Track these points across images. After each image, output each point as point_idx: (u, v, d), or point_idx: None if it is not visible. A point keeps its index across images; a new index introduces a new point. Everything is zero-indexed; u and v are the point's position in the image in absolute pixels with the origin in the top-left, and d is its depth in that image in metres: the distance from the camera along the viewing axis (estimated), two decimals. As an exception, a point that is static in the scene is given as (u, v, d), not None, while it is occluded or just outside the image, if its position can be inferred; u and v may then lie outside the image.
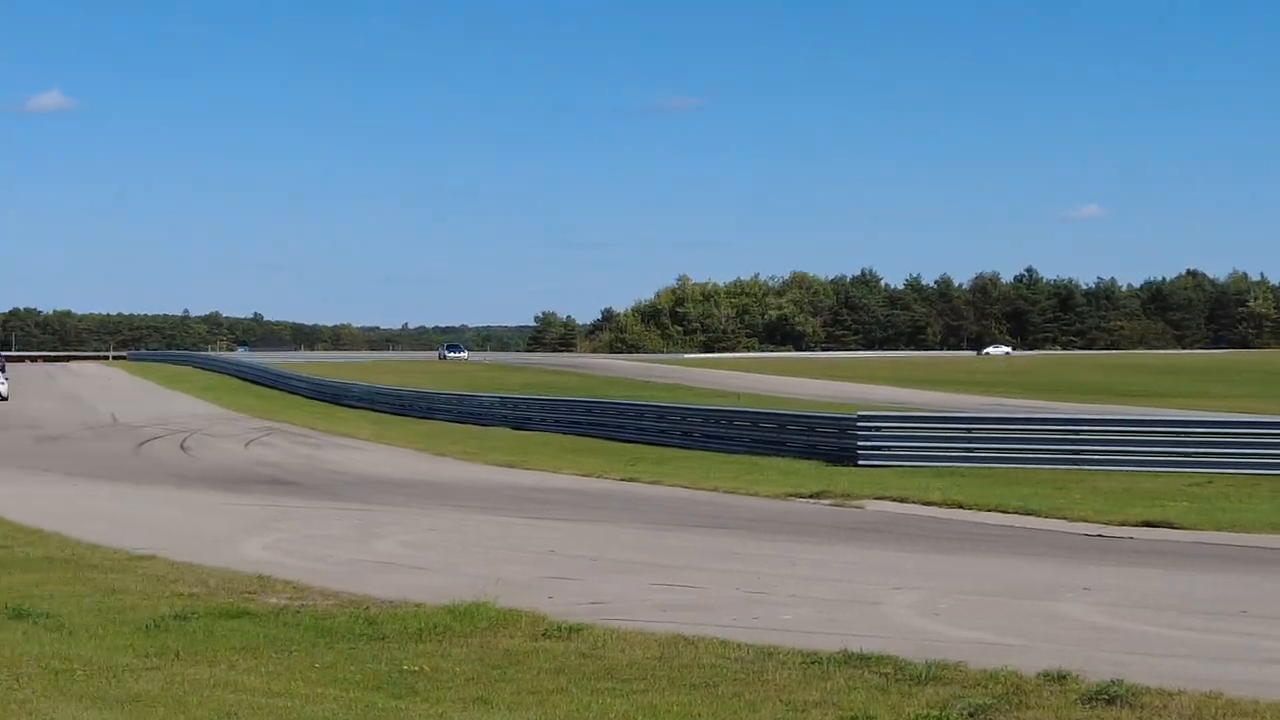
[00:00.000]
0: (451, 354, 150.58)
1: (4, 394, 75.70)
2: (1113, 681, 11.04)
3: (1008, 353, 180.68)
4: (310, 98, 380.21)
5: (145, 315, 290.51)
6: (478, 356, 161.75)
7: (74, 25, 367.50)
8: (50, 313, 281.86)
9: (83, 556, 19.68)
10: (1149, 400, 67.58)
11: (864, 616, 14.67)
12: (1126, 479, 31.71)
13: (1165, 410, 54.74)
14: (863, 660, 11.98)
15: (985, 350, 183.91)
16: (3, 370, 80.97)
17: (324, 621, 14.11)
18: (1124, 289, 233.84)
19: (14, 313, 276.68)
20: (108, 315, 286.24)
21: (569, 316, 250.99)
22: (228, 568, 18.32)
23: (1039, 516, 25.78)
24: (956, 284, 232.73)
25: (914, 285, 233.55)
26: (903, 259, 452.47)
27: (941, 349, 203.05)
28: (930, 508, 27.69)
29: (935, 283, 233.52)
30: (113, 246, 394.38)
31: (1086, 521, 24.87)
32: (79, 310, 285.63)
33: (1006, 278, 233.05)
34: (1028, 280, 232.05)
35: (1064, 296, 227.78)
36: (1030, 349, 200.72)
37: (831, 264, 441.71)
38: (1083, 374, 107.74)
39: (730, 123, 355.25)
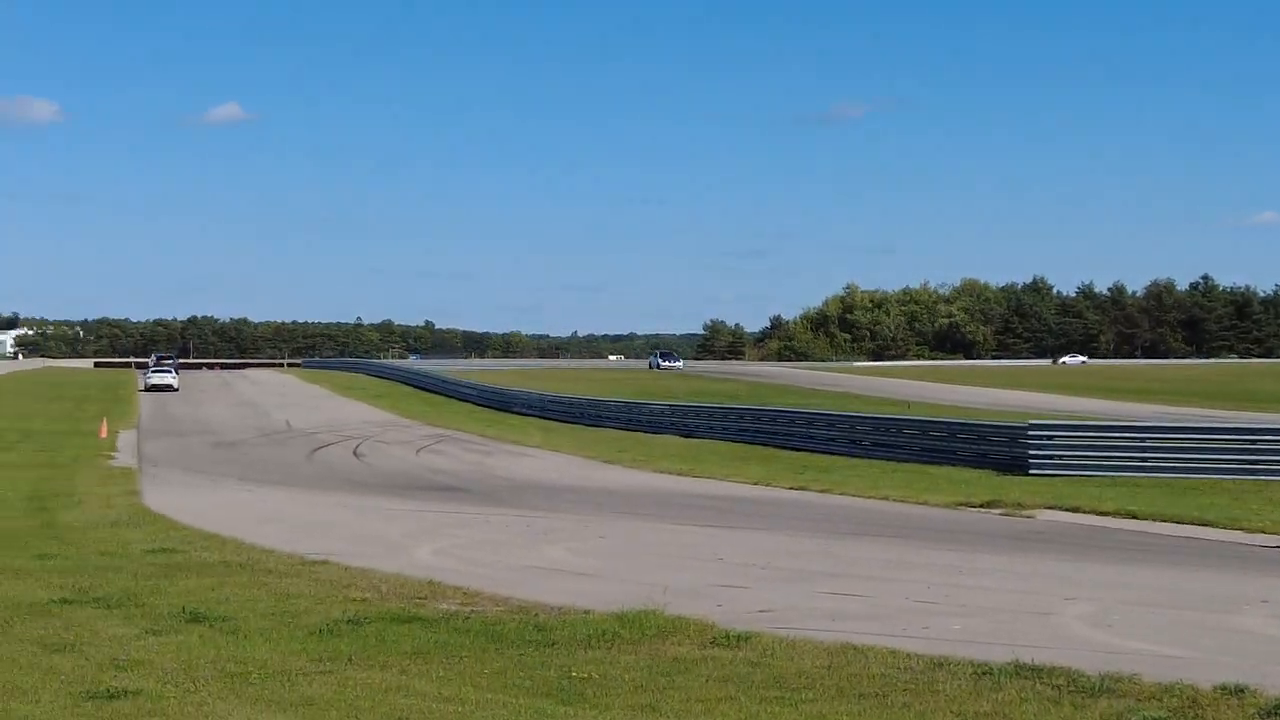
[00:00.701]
0: (666, 363, 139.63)
1: (175, 385, 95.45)
2: (1292, 696, 10.82)
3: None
4: (479, 110, 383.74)
5: (319, 323, 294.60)
6: (638, 363, 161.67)
7: (252, 39, 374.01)
8: (227, 320, 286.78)
9: (258, 561, 19.97)
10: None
11: (1035, 627, 14.48)
12: (1306, 490, 31.07)
13: (1346, 420, 53.55)
14: (1034, 672, 11.82)
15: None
16: (175, 369, 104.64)
17: (494, 627, 14.19)
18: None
19: (192, 320, 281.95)
20: (283, 323, 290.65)
21: (737, 324, 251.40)
22: (399, 573, 18.48)
23: (1215, 527, 25.33)
24: (1130, 291, 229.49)
25: (1087, 293, 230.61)
26: (1075, 266, 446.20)
27: (1117, 358, 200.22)
28: (1103, 518, 27.30)
29: (1108, 290, 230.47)
30: (288, 255, 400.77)
31: (1265, 533, 24.38)
32: (255, 318, 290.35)
33: (1182, 285, 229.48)
34: (1203, 288, 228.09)
35: (1241, 304, 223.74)
36: (1206, 357, 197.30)
37: (1003, 271, 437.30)
38: (1255, 382, 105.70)
39: (899, 129, 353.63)
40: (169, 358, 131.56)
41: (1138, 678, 11.55)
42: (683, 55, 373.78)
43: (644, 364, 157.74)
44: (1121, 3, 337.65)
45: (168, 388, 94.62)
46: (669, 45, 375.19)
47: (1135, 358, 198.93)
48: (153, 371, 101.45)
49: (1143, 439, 36.47)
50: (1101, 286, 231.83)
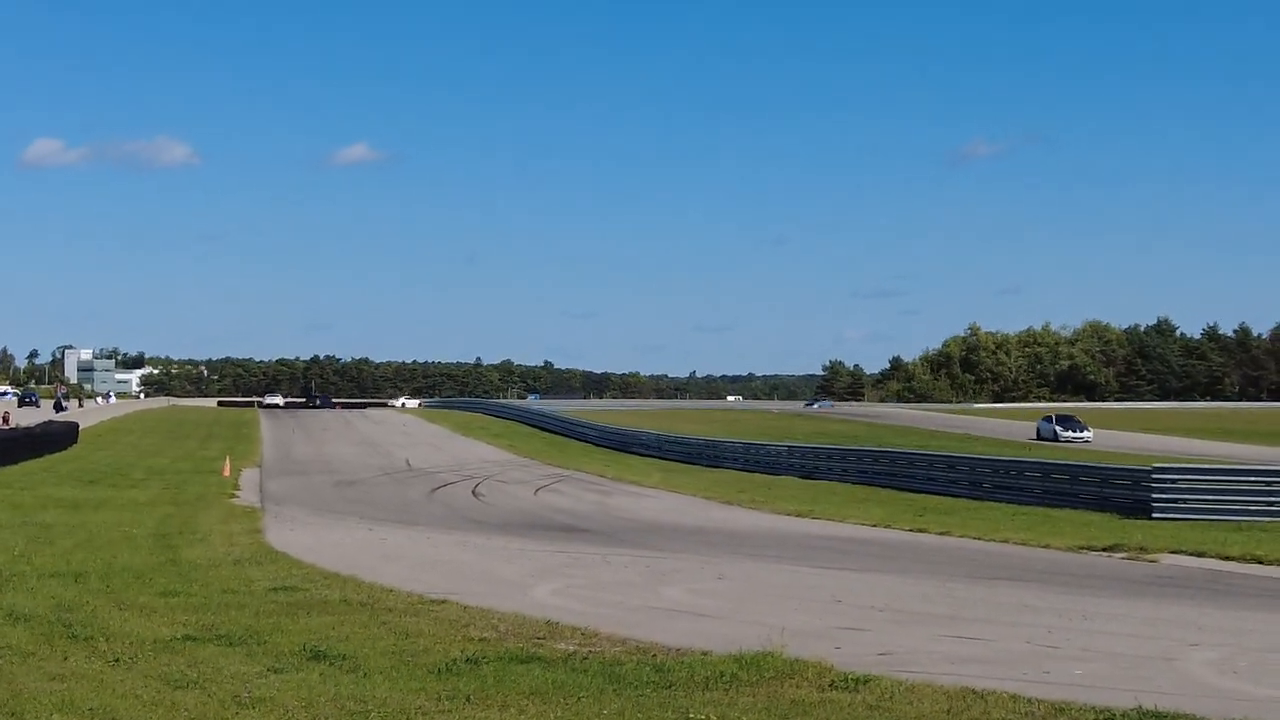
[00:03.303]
0: (1069, 434, 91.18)
1: (280, 404, 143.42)
2: None
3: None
4: (599, 151, 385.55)
5: (440, 363, 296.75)
6: (764, 404, 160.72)
7: (380, 81, 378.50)
8: (349, 360, 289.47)
9: (378, 599, 20.07)
10: None
11: (1159, 673, 14.30)
12: None
13: None
14: (1158, 718, 11.68)
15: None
16: (281, 395, 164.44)
17: (612, 668, 14.17)
18: None
19: (315, 360, 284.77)
20: (404, 363, 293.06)
21: (856, 365, 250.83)
22: (518, 612, 18.51)
23: (1345, 573, 24.94)
24: (1256, 333, 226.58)
25: (1211, 335, 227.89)
26: (1200, 307, 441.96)
27: (1243, 400, 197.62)
28: (1229, 563, 26.95)
29: (1234, 332, 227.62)
30: (410, 295, 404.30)
31: (1396, 579, 23.99)
32: (376, 358, 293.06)
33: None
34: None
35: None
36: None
37: (1127, 312, 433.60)
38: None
39: (1024, 170, 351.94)
40: (278, 392, 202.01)
41: (1264, 726, 11.39)
42: (809, 96, 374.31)
43: (767, 406, 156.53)
44: (1247, 49, 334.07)
45: (275, 405, 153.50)
46: (794, 86, 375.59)
47: (1261, 400, 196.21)
48: (266, 396, 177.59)
49: (1269, 483, 35.99)
50: (1227, 328, 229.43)
